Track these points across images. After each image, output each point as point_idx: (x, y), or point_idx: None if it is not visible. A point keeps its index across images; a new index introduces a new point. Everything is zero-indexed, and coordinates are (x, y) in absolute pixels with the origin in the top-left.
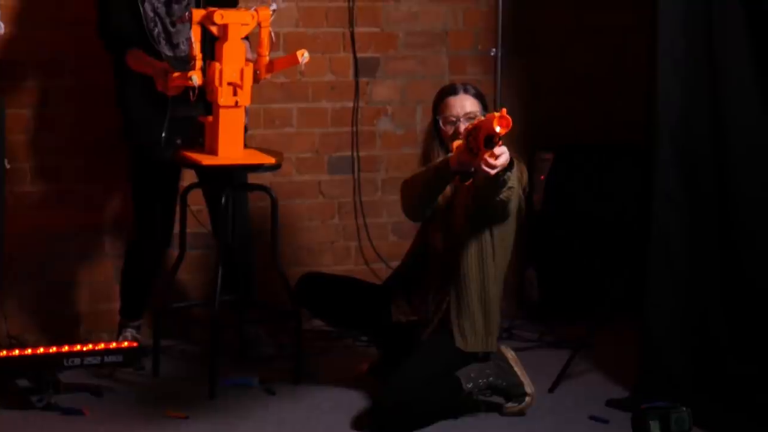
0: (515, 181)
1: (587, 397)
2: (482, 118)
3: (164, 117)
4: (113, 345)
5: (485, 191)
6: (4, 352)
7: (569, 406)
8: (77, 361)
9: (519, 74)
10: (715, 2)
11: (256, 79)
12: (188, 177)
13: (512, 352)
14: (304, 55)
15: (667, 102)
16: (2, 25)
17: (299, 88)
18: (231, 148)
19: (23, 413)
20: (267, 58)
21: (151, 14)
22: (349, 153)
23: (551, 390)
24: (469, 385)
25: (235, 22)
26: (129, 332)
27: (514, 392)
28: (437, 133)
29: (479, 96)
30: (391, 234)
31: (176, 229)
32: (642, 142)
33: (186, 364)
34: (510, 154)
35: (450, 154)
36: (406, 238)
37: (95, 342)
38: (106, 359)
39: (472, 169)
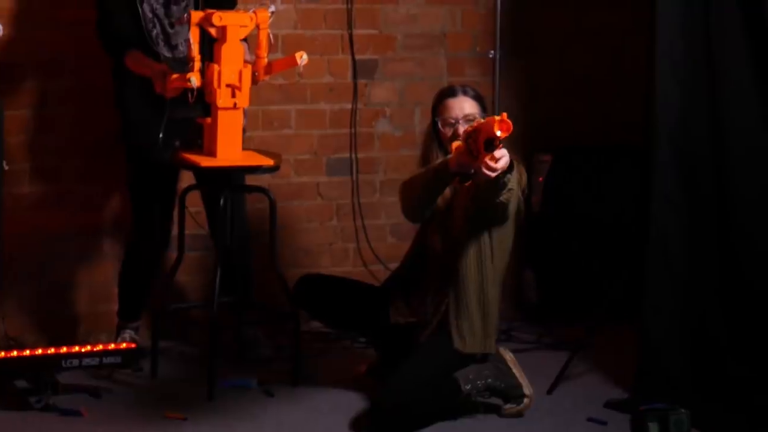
0: (515, 183)
1: (586, 398)
2: (482, 120)
3: (162, 118)
4: (112, 346)
5: (485, 193)
6: (3, 353)
7: (568, 407)
8: (76, 362)
9: (517, 76)
10: (713, 4)
11: (255, 80)
12: (186, 178)
13: (511, 354)
14: (302, 57)
15: (666, 104)
16: (1, 27)
17: (298, 89)
18: (229, 149)
19: (22, 414)
20: (265, 60)
21: (150, 15)
22: (348, 155)
23: (550, 391)
24: (468, 387)
25: (234, 23)
26: (127, 333)
27: (513, 394)
28: (436, 135)
29: (478, 98)
30: (390, 236)
31: (175, 230)
32: (640, 144)
33: (184, 366)
34: (509, 157)
35: (449, 156)
36: (404, 240)
37: (94, 343)
38: (105, 360)
39: (472, 171)
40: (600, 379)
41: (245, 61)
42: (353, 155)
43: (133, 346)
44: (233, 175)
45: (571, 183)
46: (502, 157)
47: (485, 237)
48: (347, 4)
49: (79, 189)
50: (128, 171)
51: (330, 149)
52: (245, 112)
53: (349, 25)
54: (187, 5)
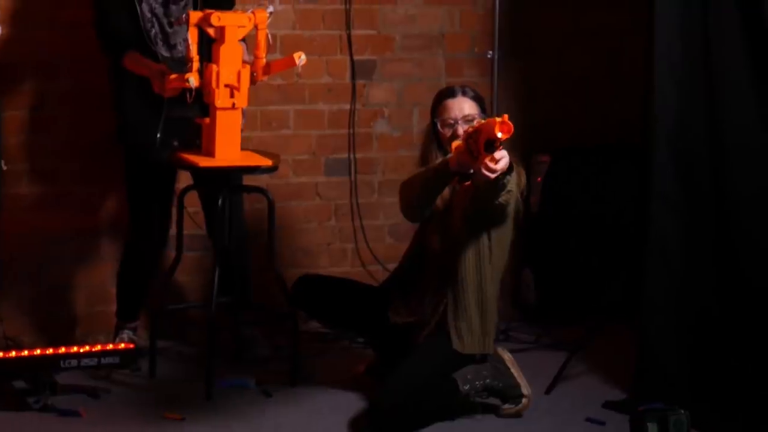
0: (514, 184)
1: (584, 398)
2: (482, 120)
3: (160, 118)
4: (110, 347)
5: (484, 194)
6: (1, 354)
7: (566, 407)
8: (74, 362)
9: (515, 77)
10: (711, 5)
11: (253, 81)
12: (185, 179)
13: (509, 354)
14: (301, 58)
15: (664, 104)
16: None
17: (296, 90)
18: (228, 150)
19: (20, 414)
20: (264, 60)
21: (149, 15)
22: (346, 155)
23: (548, 392)
24: (466, 387)
25: (232, 24)
26: (125, 334)
27: (511, 394)
28: (435, 136)
29: (478, 98)
30: (388, 236)
31: (173, 230)
32: (638, 144)
33: (182, 366)
34: (509, 158)
35: (449, 155)
36: (402, 240)
37: (92, 344)
38: (103, 361)
39: (471, 171)
40: (598, 380)
41: (244, 62)
42: (351, 156)
43: (131, 346)
44: (231, 175)
45: (569, 183)
46: (502, 158)
47: (484, 238)
48: (346, 4)
49: (77, 190)
50: (126, 171)
51: (328, 149)
52: (244, 113)
53: (348, 26)
54: (186, 5)
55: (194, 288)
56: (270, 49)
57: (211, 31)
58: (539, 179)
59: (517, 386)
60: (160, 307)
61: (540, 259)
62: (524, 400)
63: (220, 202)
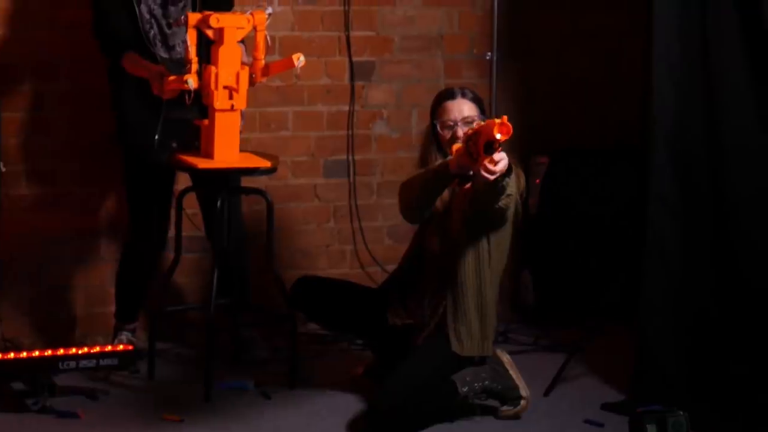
0: (513, 187)
1: (582, 400)
2: (481, 122)
3: (159, 120)
4: (109, 348)
5: (484, 197)
6: (0, 355)
7: (564, 409)
8: (72, 364)
9: (514, 78)
10: (709, 7)
11: (252, 82)
12: (183, 180)
13: (507, 356)
14: (299, 59)
15: (662, 106)
16: None
17: (295, 91)
18: (227, 151)
19: (18, 416)
20: (263, 62)
21: (147, 16)
22: (345, 156)
23: (546, 393)
24: (465, 389)
25: (231, 25)
26: (124, 335)
27: (510, 396)
28: (435, 137)
29: (477, 100)
30: (387, 237)
31: (172, 232)
32: (637, 146)
33: (181, 368)
34: (508, 160)
35: (449, 158)
36: (401, 242)
37: (90, 345)
38: (102, 362)
39: (471, 173)
40: (597, 382)
41: (242, 63)
42: (350, 157)
43: (129, 348)
44: (230, 176)
45: (568, 185)
46: (501, 160)
47: (483, 241)
48: (344, 5)
49: (76, 191)
50: (125, 172)
51: (327, 151)
52: (242, 114)
53: (347, 27)
54: (184, 6)
55: (193, 289)
56: (269, 50)
57: (209, 33)
58: (537, 181)
59: (516, 388)
60: (159, 309)
61: (538, 260)
62: (523, 402)
63: (218, 203)
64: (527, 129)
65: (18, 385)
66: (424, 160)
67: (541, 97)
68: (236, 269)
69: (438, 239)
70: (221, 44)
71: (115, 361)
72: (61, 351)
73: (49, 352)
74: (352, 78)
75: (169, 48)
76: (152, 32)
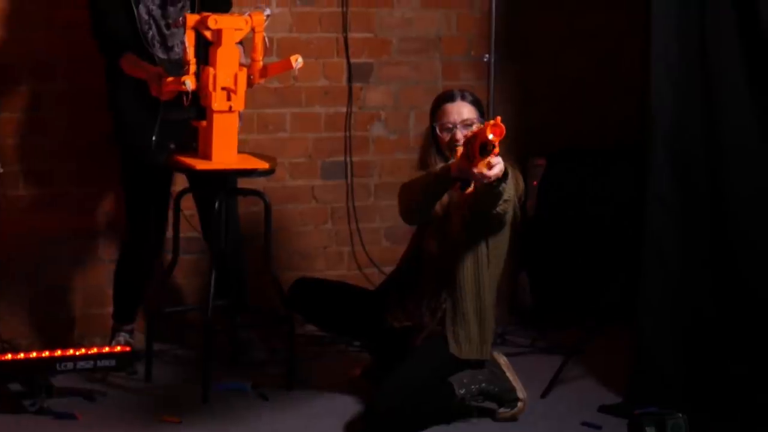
0: (511, 191)
1: (580, 402)
2: (480, 125)
3: (156, 121)
4: (106, 349)
5: (482, 202)
6: None
7: (562, 411)
8: (70, 365)
9: (512, 80)
10: (707, 7)
11: (250, 83)
12: (181, 181)
13: (505, 358)
14: (297, 61)
15: (661, 106)
16: None
17: (293, 93)
18: (225, 152)
19: (16, 417)
20: (261, 63)
21: (146, 17)
22: (343, 158)
23: (543, 396)
24: (462, 391)
25: (229, 27)
26: (122, 337)
27: (507, 398)
28: (434, 140)
29: (476, 103)
30: (384, 239)
31: (170, 233)
32: (635, 147)
33: (179, 369)
34: (505, 164)
35: (451, 161)
36: (398, 244)
37: (88, 346)
38: (99, 364)
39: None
40: (594, 384)
41: (240, 65)
42: (348, 159)
43: (127, 349)
44: (227, 178)
45: (565, 186)
46: (496, 164)
47: (482, 245)
48: (342, 7)
49: (73, 191)
50: (122, 173)
51: (325, 153)
52: (240, 116)
53: (345, 29)
54: (183, 7)
55: (191, 291)
56: (267, 52)
57: (208, 34)
58: (535, 183)
59: (513, 390)
60: (157, 310)
61: (536, 262)
62: (520, 404)
63: (216, 205)
64: (525, 131)
65: (15, 386)
66: (423, 162)
67: (539, 98)
68: (234, 270)
69: (436, 242)
70: (219, 45)
71: (112, 363)
72: (59, 352)
73: (46, 353)
74: (349, 80)
75: (168, 49)
76: (150, 33)
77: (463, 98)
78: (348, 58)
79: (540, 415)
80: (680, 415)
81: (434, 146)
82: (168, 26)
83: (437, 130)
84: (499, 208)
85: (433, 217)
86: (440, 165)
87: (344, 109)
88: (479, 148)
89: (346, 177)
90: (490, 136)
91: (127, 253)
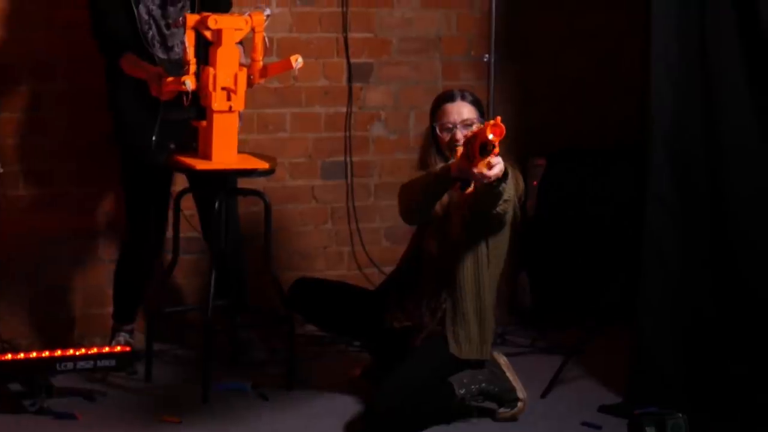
0: (512, 191)
1: (580, 402)
2: (480, 125)
3: (156, 120)
4: (106, 349)
5: (482, 202)
6: None
7: (562, 411)
8: (70, 365)
9: (512, 80)
10: (707, 7)
11: (250, 83)
12: (180, 181)
13: (504, 358)
14: (297, 61)
15: (661, 106)
16: None
17: (293, 93)
18: (225, 152)
19: (16, 417)
20: (261, 63)
21: (146, 17)
22: (343, 158)
23: (543, 396)
24: (462, 391)
25: (229, 27)
26: (122, 337)
27: (507, 398)
28: (434, 140)
29: (476, 103)
30: (384, 239)
31: (169, 233)
32: (635, 147)
33: (179, 369)
34: (505, 164)
35: (451, 161)
36: (398, 244)
37: (88, 346)
38: (99, 364)
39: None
40: (594, 384)
41: (240, 65)
42: (348, 159)
43: (127, 349)
44: (227, 178)
45: (565, 186)
46: (496, 164)
47: (482, 246)
48: (342, 7)
49: (73, 191)
50: (122, 173)
51: (325, 153)
52: (240, 116)
53: (345, 29)
54: (183, 7)
55: (191, 291)
56: (267, 52)
57: (208, 34)
58: (535, 183)
59: (513, 390)
60: (157, 310)
61: (536, 262)
62: (520, 404)
63: (216, 205)
64: (525, 131)
65: (15, 386)
66: (423, 162)
67: (539, 98)
68: (234, 271)
69: (436, 242)
70: (219, 45)
71: (112, 363)
72: (59, 352)
73: (46, 353)
74: (350, 79)
75: (168, 49)
76: (150, 33)
77: (463, 98)
78: (348, 58)
79: (540, 415)
80: (680, 415)
81: (434, 146)
82: (168, 26)
83: (437, 130)
84: (499, 208)
85: (433, 217)
86: (440, 165)
87: (344, 109)
88: (479, 148)
89: (346, 177)
90: (490, 136)
91: (127, 253)
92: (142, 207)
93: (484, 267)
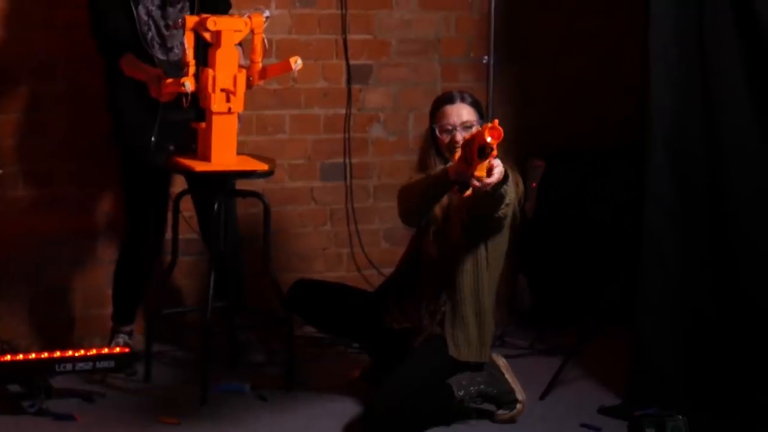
0: (512, 194)
1: (579, 404)
2: (479, 127)
3: (155, 121)
4: (105, 350)
5: (484, 203)
6: None
7: (561, 413)
8: (69, 366)
9: (511, 81)
10: (706, 7)
11: (249, 85)
12: (180, 183)
13: (503, 360)
14: (297, 62)
15: (660, 107)
16: None
17: (292, 94)
18: (224, 154)
19: (15, 418)
20: (260, 65)
21: (145, 18)
22: (342, 160)
23: (542, 397)
24: (461, 393)
25: (229, 28)
26: (121, 338)
27: (506, 399)
28: (434, 142)
29: (476, 104)
30: (383, 241)
31: (169, 234)
32: (634, 147)
33: (178, 370)
34: (505, 167)
35: (449, 164)
36: (397, 245)
37: (87, 347)
38: (98, 365)
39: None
40: (593, 385)
41: (240, 66)
42: (347, 160)
43: (126, 350)
44: (227, 179)
45: (564, 187)
46: (497, 167)
47: (482, 248)
48: (341, 9)
49: (73, 192)
50: (122, 173)
51: (324, 154)
52: (239, 117)
53: (344, 31)
54: (182, 8)
55: (190, 292)
56: (266, 53)
57: (207, 36)
58: (534, 184)
59: (512, 392)
60: (156, 311)
61: (535, 263)
62: (519, 406)
63: (215, 206)
64: (524, 132)
65: (14, 388)
66: (422, 164)
67: (539, 99)
68: (233, 272)
69: (436, 245)
70: (218, 47)
71: (111, 364)
72: (58, 353)
73: (45, 355)
74: (349, 81)
75: (167, 50)
76: (150, 34)
77: (462, 100)
78: (347, 59)
79: (539, 417)
80: (680, 416)
81: (434, 148)
82: (167, 27)
83: (437, 132)
84: (500, 212)
85: (433, 219)
86: (439, 167)
87: (343, 111)
88: (477, 151)
89: (345, 178)
90: (489, 139)
91: (126, 254)
92: (142, 208)
93: (483, 269)
